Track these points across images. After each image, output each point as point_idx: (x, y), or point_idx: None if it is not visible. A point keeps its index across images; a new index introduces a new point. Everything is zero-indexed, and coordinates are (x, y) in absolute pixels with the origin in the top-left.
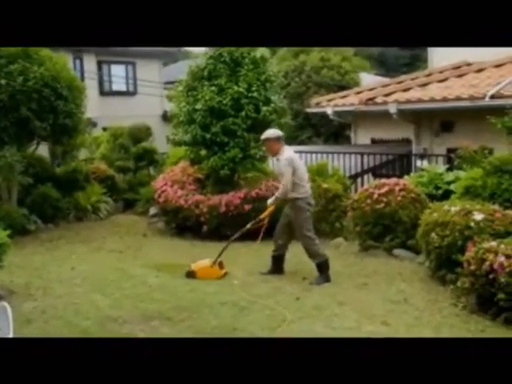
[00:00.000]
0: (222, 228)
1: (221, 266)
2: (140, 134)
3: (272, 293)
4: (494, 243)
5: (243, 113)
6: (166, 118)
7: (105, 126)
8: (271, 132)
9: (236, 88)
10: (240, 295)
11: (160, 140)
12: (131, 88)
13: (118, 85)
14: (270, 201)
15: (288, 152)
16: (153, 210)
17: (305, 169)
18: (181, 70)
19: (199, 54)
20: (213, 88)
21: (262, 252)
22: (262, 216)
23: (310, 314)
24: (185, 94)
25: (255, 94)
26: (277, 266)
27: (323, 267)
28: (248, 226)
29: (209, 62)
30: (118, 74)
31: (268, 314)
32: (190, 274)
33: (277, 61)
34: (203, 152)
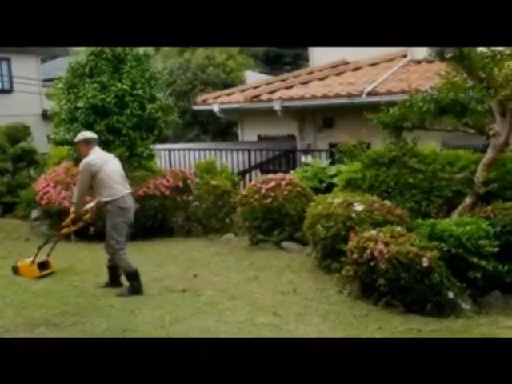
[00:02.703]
0: None
1: (45, 265)
2: (18, 133)
3: (163, 292)
4: (373, 232)
5: (128, 110)
6: (46, 116)
7: None
8: (79, 135)
9: (120, 85)
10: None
11: (40, 140)
12: (6, 85)
13: None
14: (71, 209)
15: (91, 155)
16: (35, 213)
17: (116, 169)
18: (60, 67)
19: (79, 51)
20: (95, 85)
21: (147, 251)
22: (63, 223)
23: (202, 309)
24: (65, 92)
25: (140, 92)
26: (112, 276)
27: (131, 278)
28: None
29: (90, 58)
30: None
31: (159, 314)
32: (15, 270)
33: (161, 58)
34: None
